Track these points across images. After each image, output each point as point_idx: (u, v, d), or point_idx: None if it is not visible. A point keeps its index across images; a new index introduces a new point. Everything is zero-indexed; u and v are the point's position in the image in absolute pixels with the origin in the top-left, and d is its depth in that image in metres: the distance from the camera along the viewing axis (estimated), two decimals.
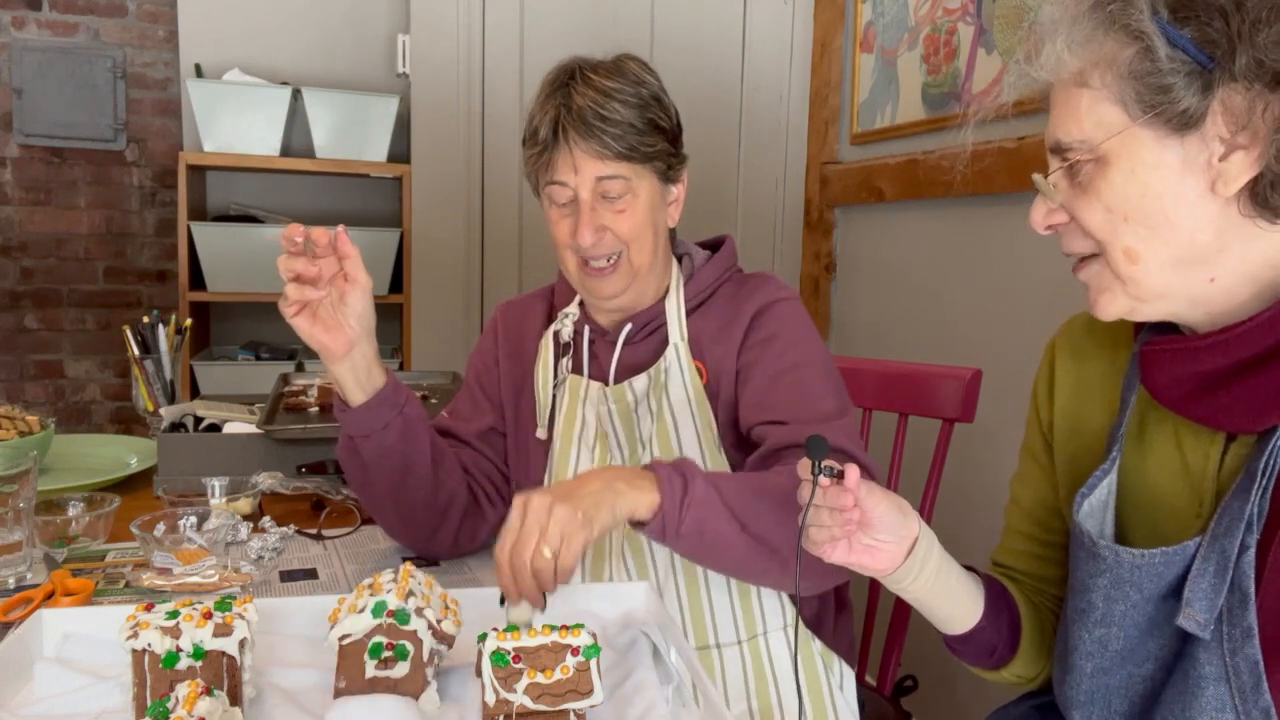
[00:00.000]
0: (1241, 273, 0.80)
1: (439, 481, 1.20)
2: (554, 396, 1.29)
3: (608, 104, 1.15)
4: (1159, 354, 0.85)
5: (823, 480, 0.85)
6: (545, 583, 0.91)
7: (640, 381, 1.22)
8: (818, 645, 1.22)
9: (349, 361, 1.09)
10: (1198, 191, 0.78)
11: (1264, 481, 0.78)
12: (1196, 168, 0.77)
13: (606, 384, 1.25)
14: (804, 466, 0.87)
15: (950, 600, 0.95)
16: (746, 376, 1.21)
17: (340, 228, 1.04)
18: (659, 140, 1.20)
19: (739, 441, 1.22)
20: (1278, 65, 0.73)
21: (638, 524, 1.01)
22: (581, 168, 1.16)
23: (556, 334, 1.30)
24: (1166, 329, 0.89)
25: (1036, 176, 0.85)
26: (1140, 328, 0.92)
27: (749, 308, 1.23)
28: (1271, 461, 0.78)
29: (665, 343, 1.24)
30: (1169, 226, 0.79)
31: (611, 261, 1.20)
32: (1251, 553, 0.78)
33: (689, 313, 1.26)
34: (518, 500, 0.94)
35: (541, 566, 0.90)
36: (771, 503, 1.03)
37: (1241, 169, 0.76)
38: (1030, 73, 0.83)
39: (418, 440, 1.17)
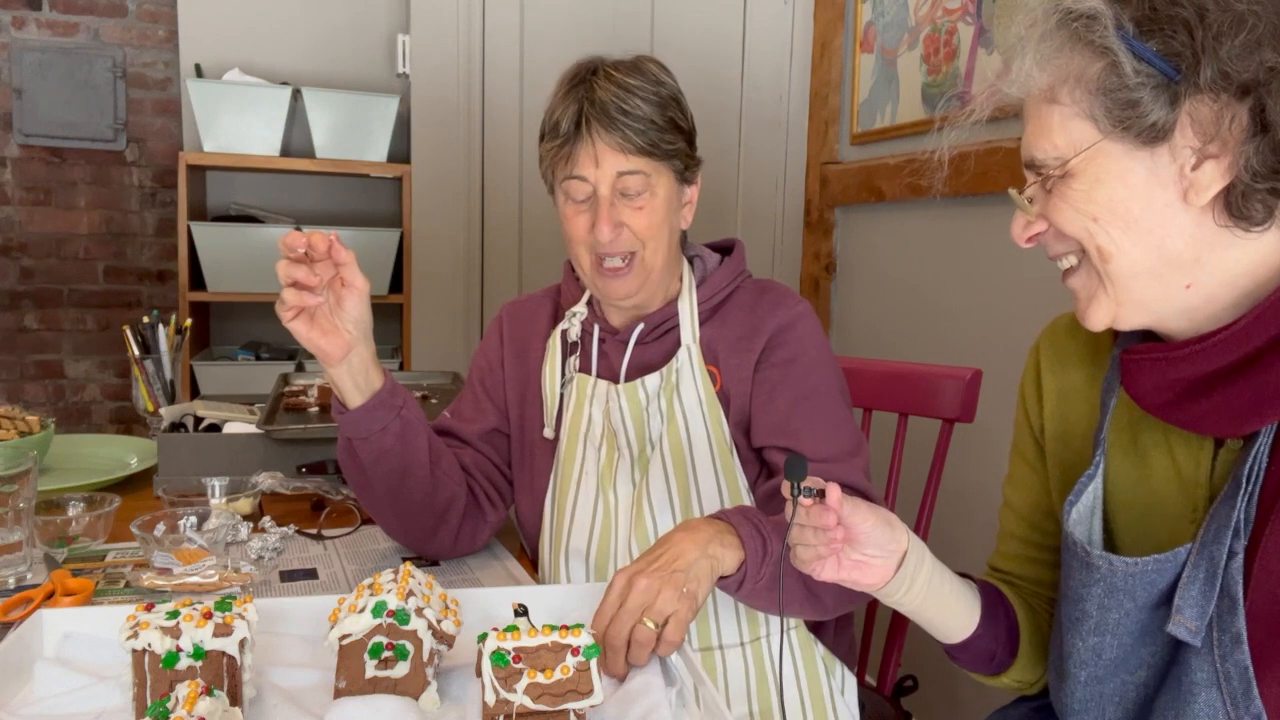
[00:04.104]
0: (1220, 280, 0.80)
1: (438, 483, 1.20)
2: (560, 395, 1.29)
3: (629, 99, 1.15)
4: (1138, 362, 0.85)
5: (804, 500, 0.85)
6: (643, 653, 0.90)
7: (652, 380, 1.22)
8: (820, 649, 1.22)
9: (346, 365, 1.09)
10: (1166, 201, 0.78)
11: (1249, 487, 0.78)
12: (1167, 179, 0.77)
13: (616, 383, 1.25)
14: (785, 487, 0.87)
15: (945, 610, 0.95)
16: (766, 395, 1.21)
17: (334, 234, 1.04)
18: (678, 139, 1.20)
19: (747, 448, 1.22)
20: (1242, 76, 0.73)
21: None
22: (603, 161, 1.16)
23: (564, 333, 1.30)
24: (1145, 335, 0.89)
25: (1012, 192, 0.86)
26: (1119, 331, 0.92)
27: (770, 322, 1.23)
28: (1255, 467, 0.78)
29: (677, 344, 1.24)
30: (1138, 230, 0.79)
31: (626, 261, 1.20)
32: (1240, 559, 0.78)
33: (703, 317, 1.26)
34: (620, 577, 0.94)
35: (643, 638, 0.90)
36: None
37: (1213, 178, 0.76)
38: (1001, 88, 0.84)
39: (416, 442, 1.16)
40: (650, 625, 0.90)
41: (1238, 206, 0.76)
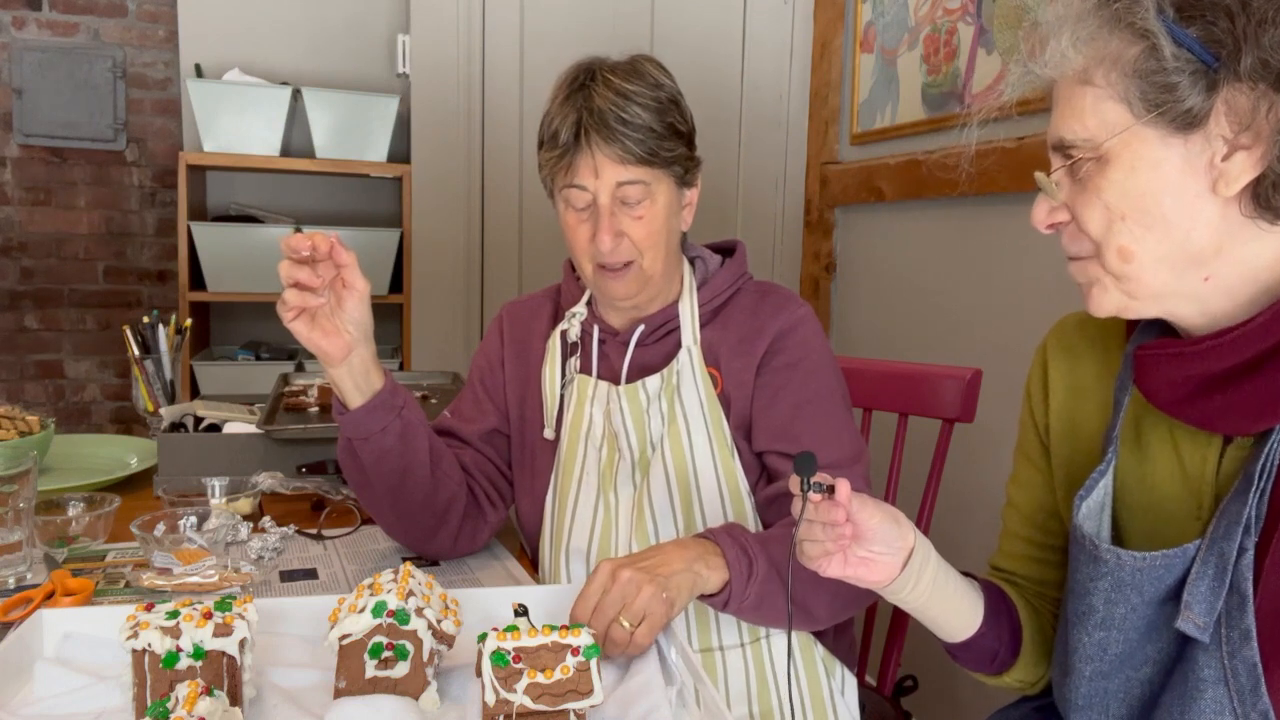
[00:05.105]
0: (1241, 274, 0.79)
1: (438, 483, 1.20)
2: (561, 396, 1.29)
3: (628, 107, 1.15)
4: (1153, 358, 0.84)
5: (813, 495, 0.85)
6: (615, 650, 0.93)
7: (653, 382, 1.22)
8: (820, 651, 1.22)
9: (347, 365, 1.09)
10: (1196, 191, 0.77)
11: (1261, 484, 0.78)
12: (1198, 168, 0.77)
13: (616, 384, 1.25)
14: (794, 482, 0.87)
15: (949, 609, 0.95)
16: (767, 398, 1.21)
17: (335, 236, 1.04)
18: (678, 145, 1.19)
19: (748, 451, 1.22)
20: None
21: (702, 596, 1.06)
22: (602, 171, 1.16)
23: (564, 333, 1.30)
24: (1159, 329, 0.89)
25: (1039, 175, 0.84)
26: (1133, 327, 0.92)
27: (772, 326, 1.23)
28: (1269, 464, 0.78)
29: (677, 345, 1.24)
30: (1165, 225, 0.78)
31: (625, 265, 1.20)
32: (1250, 555, 0.78)
33: (704, 319, 1.26)
34: (605, 566, 0.96)
35: (618, 637, 0.92)
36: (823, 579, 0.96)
37: (1243, 169, 0.75)
38: (1034, 69, 0.83)
39: (416, 443, 1.16)
40: (625, 626, 0.92)
41: (1266, 198, 0.76)
